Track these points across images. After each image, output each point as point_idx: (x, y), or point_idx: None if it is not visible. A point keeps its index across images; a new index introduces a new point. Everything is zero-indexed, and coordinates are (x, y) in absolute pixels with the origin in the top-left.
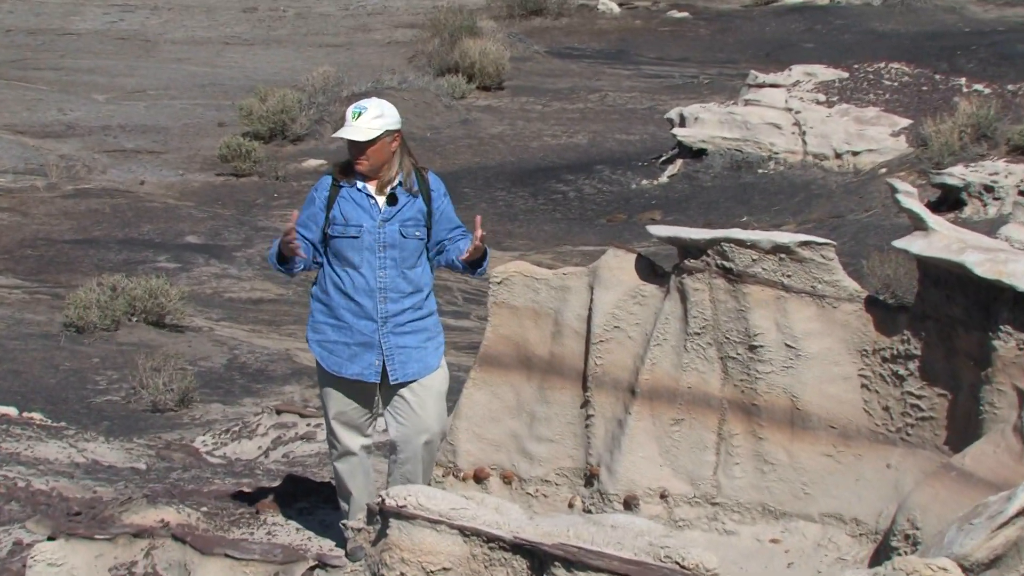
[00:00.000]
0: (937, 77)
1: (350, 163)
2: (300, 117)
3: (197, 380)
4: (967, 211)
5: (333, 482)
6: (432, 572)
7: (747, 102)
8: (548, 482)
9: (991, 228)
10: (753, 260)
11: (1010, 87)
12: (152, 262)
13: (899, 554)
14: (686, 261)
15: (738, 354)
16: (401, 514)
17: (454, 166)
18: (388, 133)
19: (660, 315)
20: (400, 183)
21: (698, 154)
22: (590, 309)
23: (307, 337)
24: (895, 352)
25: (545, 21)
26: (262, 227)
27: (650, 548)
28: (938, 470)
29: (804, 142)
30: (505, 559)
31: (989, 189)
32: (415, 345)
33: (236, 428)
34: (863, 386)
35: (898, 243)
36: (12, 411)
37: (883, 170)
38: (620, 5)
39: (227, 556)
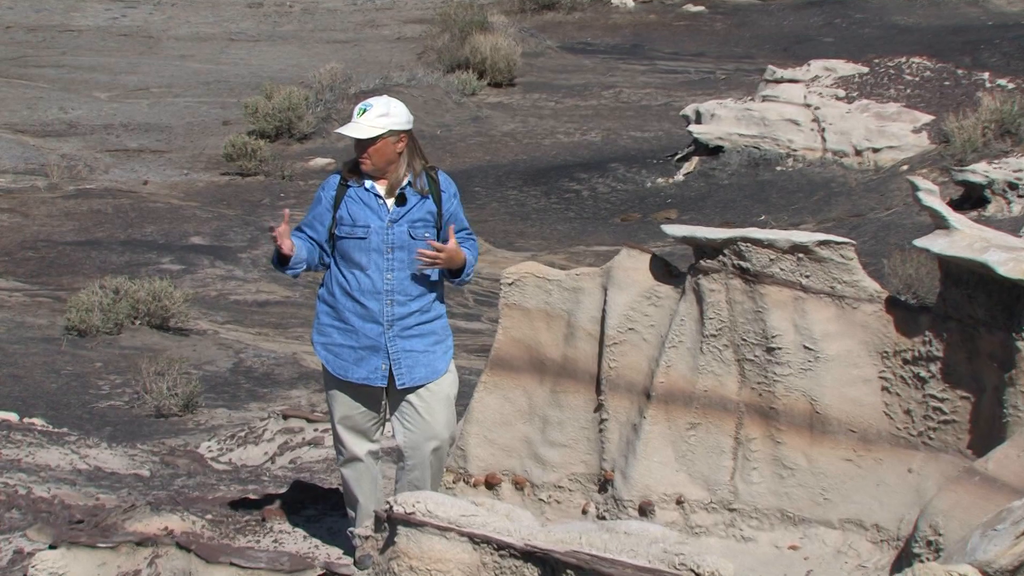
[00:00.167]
0: (960, 72)
1: (358, 162)
2: (307, 115)
3: (202, 384)
4: (990, 209)
5: (340, 488)
6: None
7: (765, 98)
8: (561, 488)
9: (1015, 226)
10: (771, 260)
11: None
12: (156, 264)
13: (921, 561)
14: (702, 261)
15: (755, 356)
16: (409, 521)
17: (465, 165)
18: (393, 133)
19: (675, 317)
20: (409, 183)
21: (715, 151)
22: (603, 311)
23: (312, 340)
24: (916, 354)
25: (558, 16)
26: (268, 228)
27: (664, 555)
28: (961, 475)
29: (823, 139)
30: (516, 567)
31: (1013, 187)
32: (422, 349)
33: (242, 433)
34: (884, 389)
35: (919, 242)
36: (13, 417)
37: (904, 167)
38: None
39: (232, 564)
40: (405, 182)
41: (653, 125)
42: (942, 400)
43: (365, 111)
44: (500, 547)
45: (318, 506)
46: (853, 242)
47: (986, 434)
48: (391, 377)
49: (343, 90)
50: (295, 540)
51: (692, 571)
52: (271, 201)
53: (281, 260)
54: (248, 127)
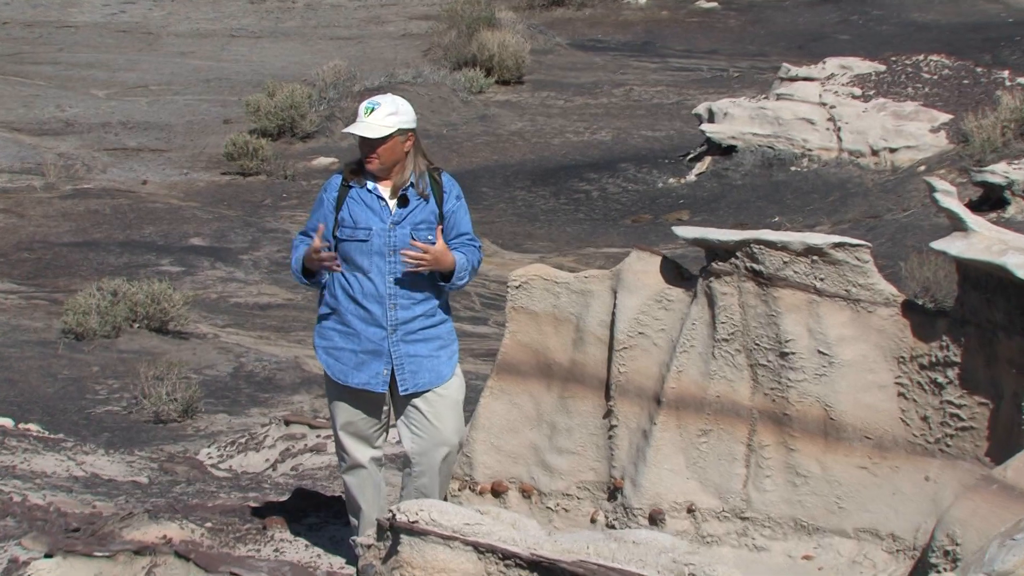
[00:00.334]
0: (979, 70)
1: (361, 162)
2: (310, 113)
3: (202, 389)
4: (1010, 211)
5: (343, 496)
6: None
7: (779, 96)
8: (569, 496)
9: None
10: (784, 262)
11: None
12: (155, 265)
13: (938, 572)
14: (714, 264)
15: (768, 361)
16: (413, 530)
17: (472, 164)
18: (401, 132)
19: (687, 320)
20: (412, 184)
21: (728, 151)
22: (613, 314)
23: (314, 343)
24: (933, 359)
25: (567, 12)
26: (270, 229)
27: (674, 566)
28: (979, 483)
29: (839, 138)
30: None
31: None
32: (427, 354)
33: (242, 440)
34: (900, 395)
35: (936, 244)
36: (8, 422)
37: (922, 167)
38: None
39: (232, 574)
40: (408, 183)
41: (665, 124)
42: (960, 406)
43: (373, 110)
44: (505, 557)
45: (320, 514)
46: (869, 244)
47: (1004, 441)
48: (394, 383)
49: (347, 88)
50: (297, 549)
51: None
52: (273, 202)
53: (306, 272)
54: (249, 125)
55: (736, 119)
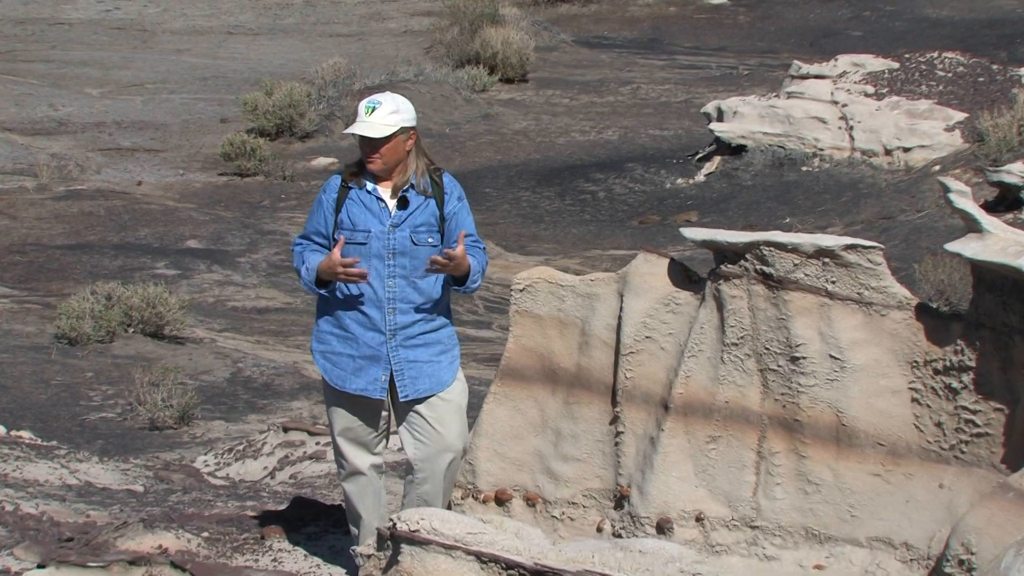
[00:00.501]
0: (994, 67)
1: (360, 163)
2: (309, 112)
3: (198, 395)
4: None
5: (343, 504)
6: None
7: (790, 95)
8: (575, 504)
9: None
10: (795, 265)
11: None
12: (150, 269)
13: None
14: (723, 266)
15: (779, 366)
16: (414, 539)
17: (475, 164)
18: (403, 130)
19: (695, 324)
20: (412, 185)
21: (737, 151)
22: (619, 318)
23: (311, 348)
24: (948, 363)
25: (572, 8)
26: (268, 230)
27: (681, 575)
28: (994, 490)
29: (851, 137)
30: None
31: None
32: (427, 359)
33: (240, 447)
34: (914, 400)
35: (951, 246)
36: (0, 429)
37: (936, 167)
38: None
39: None
40: (409, 183)
41: (673, 123)
42: (975, 412)
43: (374, 109)
44: (509, 566)
45: (320, 523)
46: (881, 246)
47: (1021, 448)
48: (393, 389)
49: (347, 86)
50: (295, 559)
51: None
52: (271, 203)
53: (319, 282)
54: (247, 125)
55: (746, 118)
